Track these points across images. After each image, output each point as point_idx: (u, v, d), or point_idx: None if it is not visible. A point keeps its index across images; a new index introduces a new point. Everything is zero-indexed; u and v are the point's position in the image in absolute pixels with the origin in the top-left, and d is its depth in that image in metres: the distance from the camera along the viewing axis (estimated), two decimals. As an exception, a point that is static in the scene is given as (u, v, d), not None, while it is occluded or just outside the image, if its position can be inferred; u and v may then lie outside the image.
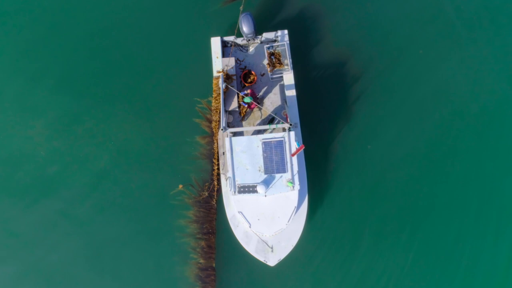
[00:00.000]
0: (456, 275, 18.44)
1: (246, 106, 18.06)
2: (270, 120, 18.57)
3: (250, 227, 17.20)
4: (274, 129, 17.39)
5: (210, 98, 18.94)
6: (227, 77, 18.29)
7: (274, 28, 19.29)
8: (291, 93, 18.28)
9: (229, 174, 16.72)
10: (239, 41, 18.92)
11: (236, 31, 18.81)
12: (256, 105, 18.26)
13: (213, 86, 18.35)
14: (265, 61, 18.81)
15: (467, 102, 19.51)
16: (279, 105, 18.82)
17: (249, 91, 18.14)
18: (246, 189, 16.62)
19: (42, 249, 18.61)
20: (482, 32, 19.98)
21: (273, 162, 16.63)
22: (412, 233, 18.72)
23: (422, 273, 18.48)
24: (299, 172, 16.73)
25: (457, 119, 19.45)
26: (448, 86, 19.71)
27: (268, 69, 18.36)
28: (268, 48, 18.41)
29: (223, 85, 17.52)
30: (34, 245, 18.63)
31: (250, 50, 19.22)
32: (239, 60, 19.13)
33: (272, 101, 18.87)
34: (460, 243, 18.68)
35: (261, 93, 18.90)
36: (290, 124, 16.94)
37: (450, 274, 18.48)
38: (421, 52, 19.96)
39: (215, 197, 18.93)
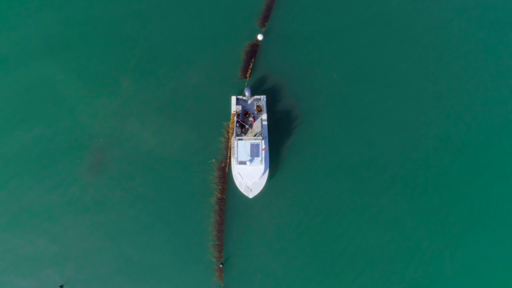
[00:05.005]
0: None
1: (249, 122, 41.43)
2: (255, 134, 41.82)
3: (242, 179, 40.42)
4: (256, 138, 40.61)
5: (228, 122, 42.29)
6: (237, 114, 41.70)
7: (260, 93, 42.90)
8: (265, 122, 41.77)
9: (235, 156, 39.99)
10: (244, 98, 42.43)
11: (243, 93, 42.40)
12: (253, 121, 41.36)
13: (231, 117, 41.82)
14: (254, 108, 42.21)
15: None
16: (259, 128, 42.10)
17: (251, 120, 41.58)
18: (242, 163, 39.89)
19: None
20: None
21: (254, 152, 39.93)
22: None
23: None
24: (264, 157, 40.11)
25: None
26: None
27: (256, 111, 41.91)
28: (256, 102, 41.99)
29: (235, 118, 41.00)
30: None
31: (249, 102, 42.69)
32: (243, 106, 42.55)
33: (256, 126, 42.24)
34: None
35: (251, 122, 42.33)
36: (263, 137, 40.34)
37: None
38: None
39: (227, 166, 42.12)
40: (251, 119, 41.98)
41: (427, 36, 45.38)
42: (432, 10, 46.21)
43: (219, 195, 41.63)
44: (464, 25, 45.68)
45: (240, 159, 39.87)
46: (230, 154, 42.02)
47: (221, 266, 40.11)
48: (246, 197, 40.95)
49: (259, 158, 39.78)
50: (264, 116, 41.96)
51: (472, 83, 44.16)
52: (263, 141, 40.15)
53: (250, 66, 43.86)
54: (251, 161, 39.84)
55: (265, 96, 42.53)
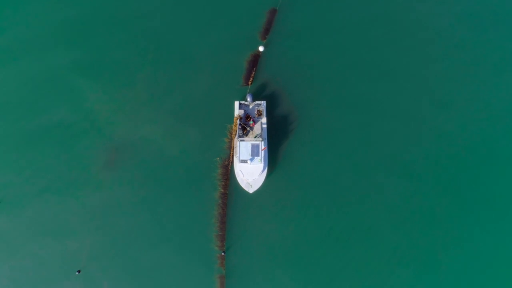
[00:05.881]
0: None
1: (250, 125, 45.93)
2: (255, 136, 46.32)
3: (243, 176, 44.90)
4: (256, 140, 45.09)
5: (232, 124, 46.81)
6: (240, 117, 46.23)
7: (260, 99, 47.45)
8: (265, 125, 46.30)
9: (237, 155, 44.48)
10: (246, 103, 46.99)
11: (245, 99, 47.00)
12: (254, 124, 45.92)
13: (234, 120, 46.36)
14: (255, 112, 46.77)
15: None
16: (259, 130, 46.61)
17: (252, 123, 46.10)
18: (243, 161, 44.40)
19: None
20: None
21: (254, 152, 44.45)
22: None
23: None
24: (263, 156, 44.62)
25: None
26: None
27: (256, 115, 46.48)
28: (257, 107, 46.57)
29: (238, 121, 45.53)
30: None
31: (250, 107, 47.25)
32: (245, 111, 47.08)
33: (257, 128, 46.76)
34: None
35: (252, 125, 46.88)
36: (262, 138, 44.87)
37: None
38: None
39: (230, 164, 46.61)
40: (252, 122, 46.55)
41: (418, 35, 49.91)
42: (424, 11, 50.70)
43: (222, 190, 46.01)
44: (453, 25, 50.29)
45: (241, 158, 44.33)
46: (232, 153, 46.54)
47: (223, 254, 44.37)
48: (247, 192, 45.39)
49: (259, 157, 44.25)
50: (264, 119, 46.52)
51: (463, 78, 48.38)
52: (262, 142, 44.66)
53: (252, 74, 48.49)
54: (251, 160, 44.31)
55: (265, 101, 47.12)
